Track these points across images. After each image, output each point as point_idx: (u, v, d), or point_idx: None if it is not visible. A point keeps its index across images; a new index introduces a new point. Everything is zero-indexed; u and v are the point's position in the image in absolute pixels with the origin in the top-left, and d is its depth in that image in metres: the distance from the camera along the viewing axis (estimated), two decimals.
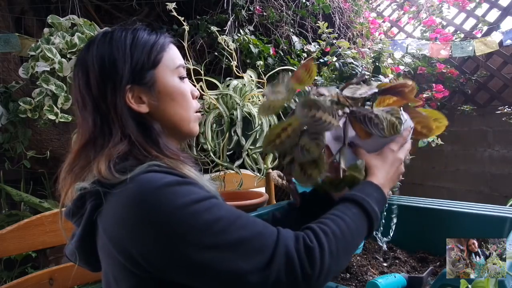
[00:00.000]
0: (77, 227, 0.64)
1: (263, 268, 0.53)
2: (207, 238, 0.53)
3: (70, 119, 1.57)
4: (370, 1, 3.41)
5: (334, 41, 1.87)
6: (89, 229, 0.62)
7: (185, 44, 1.29)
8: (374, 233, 1.04)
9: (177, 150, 0.69)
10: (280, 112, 1.68)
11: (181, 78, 0.72)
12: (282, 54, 2.17)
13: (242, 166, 1.30)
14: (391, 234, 1.08)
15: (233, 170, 1.33)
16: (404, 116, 0.71)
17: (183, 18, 1.43)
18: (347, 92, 0.69)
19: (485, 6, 2.97)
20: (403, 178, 0.77)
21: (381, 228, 1.08)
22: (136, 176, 0.57)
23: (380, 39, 2.42)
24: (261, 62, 1.82)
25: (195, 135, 0.77)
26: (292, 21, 2.33)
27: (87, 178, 0.61)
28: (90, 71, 0.65)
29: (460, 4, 3.03)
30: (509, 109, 2.40)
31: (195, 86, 0.98)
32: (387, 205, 0.82)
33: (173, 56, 0.71)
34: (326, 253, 0.55)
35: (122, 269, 0.59)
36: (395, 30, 3.45)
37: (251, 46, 1.94)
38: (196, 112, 0.75)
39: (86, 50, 0.68)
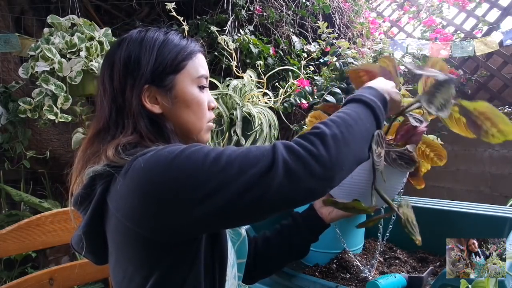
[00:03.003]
0: (84, 215, 0.65)
1: (270, 165, 0.54)
2: (213, 166, 0.54)
3: (70, 119, 1.57)
4: (370, 1, 3.41)
5: (334, 41, 1.87)
6: (98, 211, 0.63)
7: None
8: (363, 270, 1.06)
9: None
10: (281, 112, 1.68)
11: (201, 87, 0.73)
12: (282, 54, 2.17)
13: None
14: (387, 236, 1.08)
15: None
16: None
17: (182, 18, 1.43)
18: None
19: (485, 6, 2.98)
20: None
21: (387, 234, 1.08)
22: (139, 156, 0.59)
23: (380, 39, 2.42)
24: (261, 62, 1.82)
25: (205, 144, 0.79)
26: (292, 21, 2.32)
27: (97, 164, 0.62)
28: (116, 65, 0.68)
29: (460, 4, 3.03)
30: (509, 109, 2.40)
31: None
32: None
33: (197, 65, 0.72)
34: (328, 136, 0.57)
35: (136, 243, 0.60)
36: (395, 30, 3.45)
37: (251, 46, 1.93)
38: (209, 122, 0.76)
39: (117, 45, 0.70)
